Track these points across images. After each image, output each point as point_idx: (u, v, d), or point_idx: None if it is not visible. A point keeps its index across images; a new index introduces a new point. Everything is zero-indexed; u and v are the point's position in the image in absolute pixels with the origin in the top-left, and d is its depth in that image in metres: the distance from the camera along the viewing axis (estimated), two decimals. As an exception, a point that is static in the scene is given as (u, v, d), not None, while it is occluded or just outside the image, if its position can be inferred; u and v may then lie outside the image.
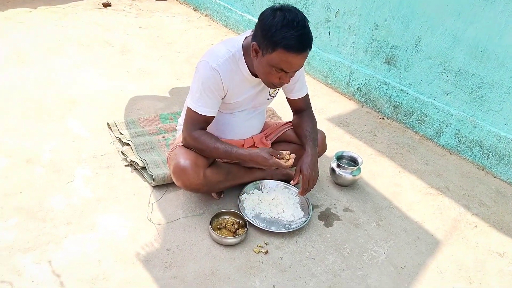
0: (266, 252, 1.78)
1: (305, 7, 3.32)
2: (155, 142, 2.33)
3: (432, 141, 2.75)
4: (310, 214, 1.95)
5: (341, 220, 2.02)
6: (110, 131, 2.44)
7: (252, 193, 2.05)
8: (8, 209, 1.85)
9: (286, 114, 2.58)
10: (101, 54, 3.46)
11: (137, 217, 1.90)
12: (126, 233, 1.80)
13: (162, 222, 1.89)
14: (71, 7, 4.37)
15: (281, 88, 1.94)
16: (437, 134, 2.71)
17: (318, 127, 2.04)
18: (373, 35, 2.92)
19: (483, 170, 2.51)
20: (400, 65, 2.82)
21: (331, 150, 2.29)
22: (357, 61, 3.09)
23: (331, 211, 2.07)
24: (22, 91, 2.77)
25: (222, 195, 2.06)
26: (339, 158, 2.24)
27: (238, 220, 1.89)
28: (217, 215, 1.89)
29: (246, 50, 1.71)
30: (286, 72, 1.60)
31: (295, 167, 1.89)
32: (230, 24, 4.28)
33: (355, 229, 1.97)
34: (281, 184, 2.10)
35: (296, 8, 1.56)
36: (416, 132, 2.84)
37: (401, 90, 2.84)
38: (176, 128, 2.18)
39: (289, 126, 2.11)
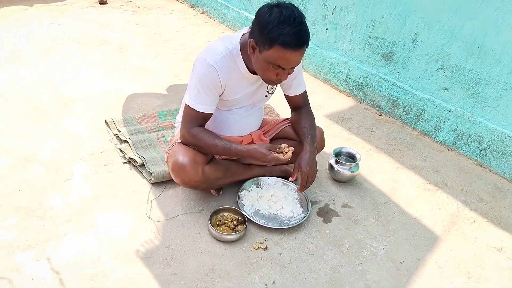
0: (266, 248, 1.79)
1: (302, 4, 3.32)
2: (153, 139, 2.33)
3: (430, 137, 2.76)
4: (309, 210, 1.96)
5: (340, 216, 2.03)
6: (108, 129, 2.44)
7: (251, 189, 2.05)
8: (7, 208, 1.85)
9: (284, 111, 2.59)
10: (98, 52, 3.45)
11: (136, 214, 1.90)
12: (125, 231, 1.81)
13: (161, 219, 1.89)
14: (67, 4, 4.36)
15: (279, 85, 1.94)
16: (435, 130, 2.72)
17: (316, 124, 2.05)
18: (370, 31, 2.92)
19: (480, 165, 2.53)
20: (397, 62, 2.82)
21: (329, 146, 2.30)
22: (355, 57, 3.10)
23: (330, 207, 2.07)
24: (19, 90, 2.76)
25: (221, 192, 2.06)
26: (338, 154, 2.25)
27: (237, 217, 1.89)
28: (216, 212, 1.89)
29: (243, 47, 1.71)
30: (283, 68, 1.60)
31: (293, 164, 1.90)
32: (227, 21, 4.28)
33: (353, 225, 1.98)
34: (280, 180, 2.11)
35: (293, 5, 1.56)
36: (413, 128, 2.84)
37: (399, 86, 2.84)
38: (174, 125, 2.18)
39: (287, 123, 2.11)
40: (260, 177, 2.11)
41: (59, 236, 1.74)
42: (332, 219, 2.00)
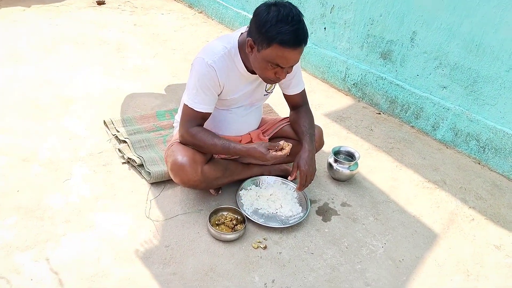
0: (265, 248, 1.79)
1: (300, 3, 3.32)
2: (152, 139, 2.33)
3: (429, 135, 2.76)
4: (308, 209, 1.96)
5: (339, 214, 2.03)
6: (107, 129, 2.44)
7: (250, 189, 2.05)
8: (6, 208, 1.84)
9: (283, 110, 2.59)
10: (96, 52, 3.44)
11: (136, 214, 1.90)
12: (124, 230, 1.80)
13: (161, 219, 1.89)
14: (65, 5, 4.35)
15: (277, 84, 1.94)
16: (433, 128, 2.72)
17: (315, 123, 2.05)
18: (368, 30, 2.93)
19: (479, 163, 2.53)
20: (396, 60, 2.83)
21: (328, 145, 2.30)
22: (353, 56, 3.10)
23: (329, 206, 2.07)
24: (17, 90, 2.76)
25: (220, 191, 2.06)
26: (336, 153, 2.25)
27: (236, 216, 1.89)
28: (215, 211, 1.89)
29: (241, 46, 1.71)
30: (282, 67, 1.60)
31: (292, 163, 1.90)
32: (225, 21, 4.28)
33: (353, 223, 1.98)
34: (279, 179, 2.11)
35: (290, 3, 1.55)
36: (412, 126, 2.85)
37: (397, 85, 2.84)
38: (173, 125, 2.18)
39: (286, 122, 2.11)
40: (259, 176, 2.10)
41: (58, 236, 1.74)
42: (331, 218, 2.00)
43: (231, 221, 1.85)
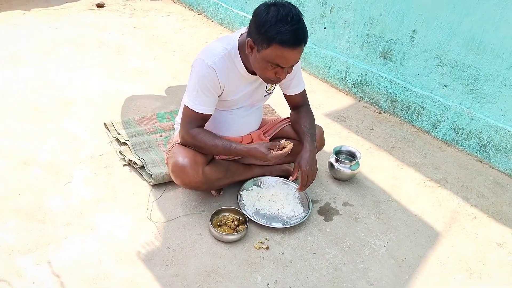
0: (267, 248, 1.79)
1: (299, 3, 3.32)
2: (152, 141, 2.33)
3: (430, 134, 2.76)
4: (310, 209, 1.95)
5: (341, 214, 2.02)
6: (107, 131, 2.44)
7: (252, 189, 2.05)
8: (7, 211, 1.84)
9: (284, 111, 2.58)
10: (96, 54, 3.44)
11: (137, 216, 1.89)
12: (126, 233, 1.80)
13: (162, 220, 1.88)
14: (64, 8, 4.35)
15: (278, 85, 1.94)
16: (434, 127, 2.72)
17: (316, 123, 2.04)
18: (368, 29, 2.92)
19: (481, 161, 2.52)
20: (396, 59, 2.82)
21: (329, 145, 2.29)
22: (353, 56, 3.10)
23: (331, 205, 2.07)
24: (18, 93, 2.76)
25: (221, 193, 2.06)
26: (338, 153, 2.24)
27: (238, 217, 1.89)
28: (217, 212, 1.89)
29: (241, 47, 1.70)
30: (282, 67, 1.60)
31: (293, 163, 1.89)
32: (225, 22, 4.28)
33: (355, 223, 1.98)
34: (280, 180, 2.10)
35: (290, 3, 1.55)
36: (413, 125, 2.84)
37: (398, 84, 2.84)
38: (174, 126, 2.17)
39: (287, 122, 2.11)
40: (261, 177, 2.10)
41: (60, 239, 1.74)
42: (333, 218, 2.00)
43: (232, 222, 1.85)
